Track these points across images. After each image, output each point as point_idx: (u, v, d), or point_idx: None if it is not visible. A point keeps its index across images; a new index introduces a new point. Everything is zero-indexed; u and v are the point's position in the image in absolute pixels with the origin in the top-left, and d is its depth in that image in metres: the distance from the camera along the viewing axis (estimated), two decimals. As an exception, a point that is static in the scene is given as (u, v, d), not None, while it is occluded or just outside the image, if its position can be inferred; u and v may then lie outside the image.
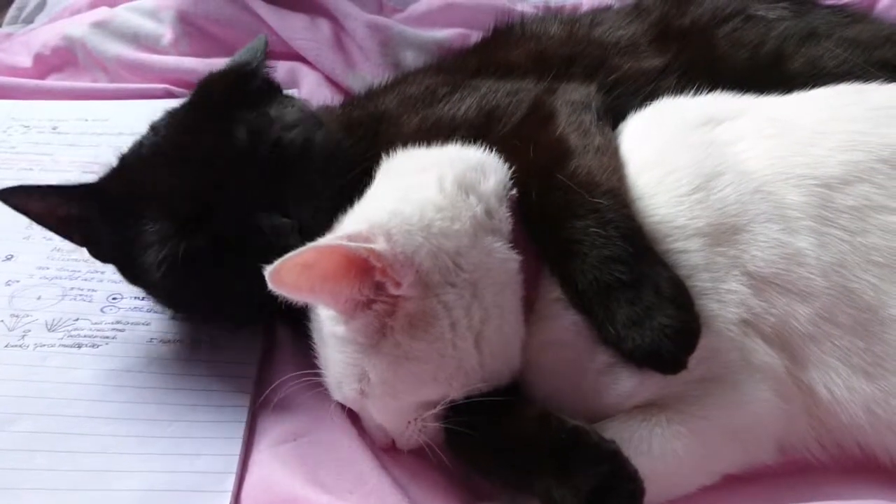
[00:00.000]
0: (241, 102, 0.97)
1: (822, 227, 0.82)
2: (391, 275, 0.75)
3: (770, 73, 1.09)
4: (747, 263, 0.82)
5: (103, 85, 1.59)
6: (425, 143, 0.94)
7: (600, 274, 0.79)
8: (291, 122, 0.96)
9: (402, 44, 1.52)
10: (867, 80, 0.98)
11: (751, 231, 0.83)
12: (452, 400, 0.81)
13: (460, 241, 0.80)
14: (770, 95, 0.97)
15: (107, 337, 1.01)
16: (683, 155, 0.89)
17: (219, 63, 1.20)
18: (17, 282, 1.08)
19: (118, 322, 1.04)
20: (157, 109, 1.04)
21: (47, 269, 1.11)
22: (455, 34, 1.53)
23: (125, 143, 1.01)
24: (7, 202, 0.93)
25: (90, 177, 0.99)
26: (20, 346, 0.99)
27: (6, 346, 0.98)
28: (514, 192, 0.87)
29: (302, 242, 0.75)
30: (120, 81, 1.58)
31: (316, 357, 0.88)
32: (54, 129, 1.42)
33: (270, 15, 1.56)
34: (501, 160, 0.90)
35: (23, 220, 0.95)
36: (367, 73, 1.48)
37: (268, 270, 0.72)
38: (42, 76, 1.64)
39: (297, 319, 0.91)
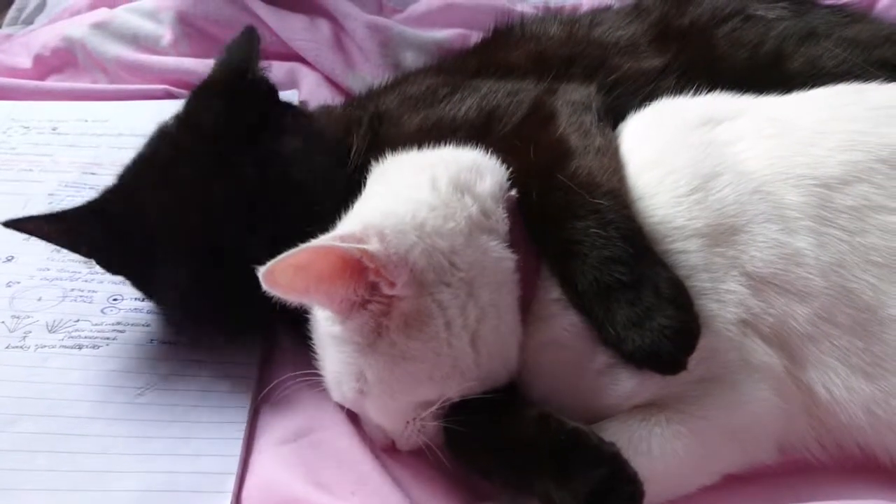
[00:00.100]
0: (240, 115, 0.96)
1: (821, 227, 0.82)
2: (385, 275, 0.75)
3: (769, 72, 1.09)
4: (746, 264, 0.82)
5: (103, 86, 1.59)
6: (426, 143, 0.94)
7: (600, 274, 0.79)
8: (294, 156, 0.96)
9: (401, 44, 1.52)
10: (866, 80, 0.98)
11: (749, 231, 0.83)
12: (451, 400, 0.81)
13: (455, 240, 0.80)
14: (769, 95, 0.97)
15: (107, 338, 1.01)
16: (683, 155, 0.89)
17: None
18: (18, 283, 1.08)
19: (119, 323, 1.04)
20: (157, 110, 1.04)
21: (48, 270, 1.11)
22: (455, 35, 1.53)
23: (125, 144, 1.01)
24: (12, 227, 0.94)
25: (90, 177, 0.99)
26: (21, 347, 0.99)
27: (7, 348, 0.99)
28: (511, 192, 0.87)
29: None
30: (120, 82, 1.58)
31: (315, 357, 0.88)
32: (54, 129, 1.42)
33: (270, 15, 1.56)
34: (499, 161, 0.90)
35: (23, 222, 0.95)
36: (367, 74, 1.48)
37: (261, 271, 0.72)
38: (42, 77, 1.64)
39: (297, 320, 0.91)
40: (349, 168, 0.97)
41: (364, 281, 0.76)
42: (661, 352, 0.77)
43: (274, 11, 1.57)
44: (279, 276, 0.73)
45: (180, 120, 1.00)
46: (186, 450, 0.88)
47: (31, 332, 1.01)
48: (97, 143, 1.38)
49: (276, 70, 1.46)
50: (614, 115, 1.01)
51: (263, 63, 1.03)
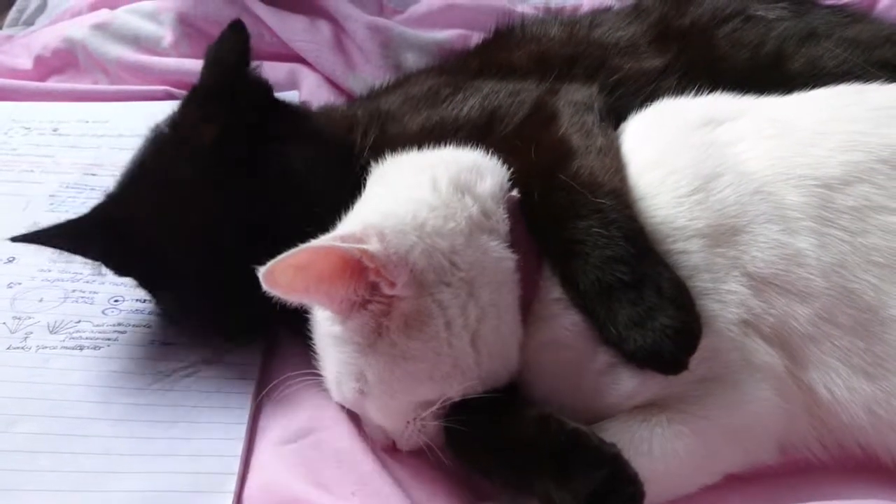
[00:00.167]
0: (239, 116, 0.95)
1: (822, 227, 0.82)
2: (385, 275, 0.75)
3: (770, 73, 1.10)
4: (747, 264, 0.82)
5: (104, 87, 1.59)
6: (428, 143, 0.94)
7: (602, 274, 0.79)
8: (294, 156, 0.96)
9: (402, 45, 1.52)
10: (867, 80, 0.98)
11: (751, 232, 0.83)
12: (451, 400, 0.81)
13: (455, 240, 0.80)
14: (770, 96, 0.97)
15: (108, 339, 1.01)
16: (684, 156, 0.89)
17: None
18: (19, 284, 1.09)
19: (120, 324, 1.04)
20: (157, 111, 1.04)
21: (49, 271, 1.11)
22: (455, 35, 1.53)
23: (126, 145, 1.01)
24: (19, 242, 0.95)
25: (91, 178, 0.99)
26: (22, 348, 0.99)
27: (8, 349, 0.99)
28: (512, 192, 0.87)
29: None
30: (120, 83, 1.58)
31: (315, 357, 0.88)
32: (55, 130, 1.43)
33: (270, 16, 1.56)
34: (500, 161, 0.90)
35: (24, 223, 0.95)
36: (368, 75, 1.48)
37: (261, 271, 0.72)
38: (43, 78, 1.65)
39: (297, 320, 0.91)
40: (353, 168, 0.97)
41: (364, 281, 0.76)
42: (663, 351, 0.77)
43: (274, 12, 1.57)
44: (279, 276, 0.73)
45: (177, 122, 1.00)
46: (188, 450, 0.88)
47: (32, 333, 1.01)
48: (98, 143, 1.38)
49: (276, 71, 1.47)
50: (616, 116, 1.01)
51: (254, 62, 1.02)
